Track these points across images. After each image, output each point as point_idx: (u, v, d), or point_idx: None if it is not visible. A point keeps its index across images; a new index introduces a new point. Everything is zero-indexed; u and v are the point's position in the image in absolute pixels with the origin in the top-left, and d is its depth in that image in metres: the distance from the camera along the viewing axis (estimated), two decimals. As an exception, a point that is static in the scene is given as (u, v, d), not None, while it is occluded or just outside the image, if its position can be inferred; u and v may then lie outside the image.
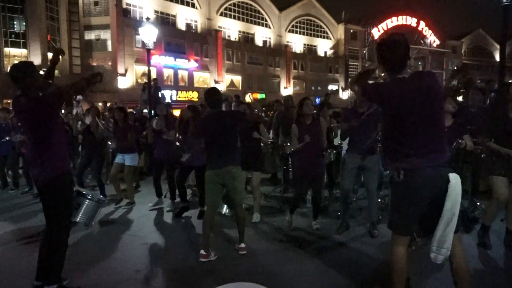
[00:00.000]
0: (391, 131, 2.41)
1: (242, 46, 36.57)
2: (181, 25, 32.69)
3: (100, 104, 12.91)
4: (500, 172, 3.63)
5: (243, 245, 3.83)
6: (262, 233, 4.48)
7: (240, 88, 35.25)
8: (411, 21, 44.75)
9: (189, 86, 31.70)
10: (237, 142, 3.82)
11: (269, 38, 39.82)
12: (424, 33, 45.61)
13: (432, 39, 46.22)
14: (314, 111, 5.21)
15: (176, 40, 30.92)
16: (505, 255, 3.70)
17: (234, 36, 37.01)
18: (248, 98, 35.43)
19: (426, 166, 2.26)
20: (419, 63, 48.26)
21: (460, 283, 2.39)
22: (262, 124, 5.16)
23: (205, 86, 32.70)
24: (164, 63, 29.68)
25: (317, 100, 19.23)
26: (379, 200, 5.33)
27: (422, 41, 46.22)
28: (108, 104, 12.44)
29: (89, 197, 3.67)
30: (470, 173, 5.03)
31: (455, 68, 43.61)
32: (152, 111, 9.89)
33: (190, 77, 32.28)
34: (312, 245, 4.05)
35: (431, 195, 2.30)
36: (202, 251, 3.61)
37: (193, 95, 30.36)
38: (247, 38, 38.16)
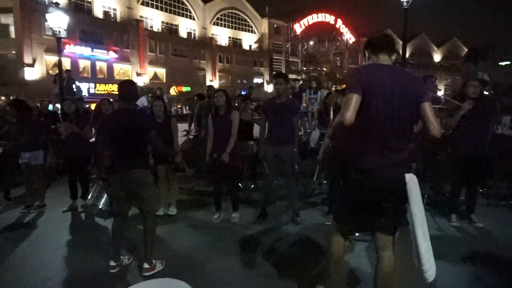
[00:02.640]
0: (355, 124, 2.19)
1: (165, 37, 35.38)
2: (98, 13, 30.49)
3: (3, 98, 11.55)
4: None
5: (146, 265, 3.25)
6: (185, 228, 4.45)
7: (164, 81, 34.17)
8: (330, 18, 47.32)
9: (109, 78, 29.83)
10: (146, 144, 3.40)
11: (194, 30, 39.11)
12: (341, 30, 48.58)
13: (349, 36, 49.41)
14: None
15: (93, 29, 28.76)
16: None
17: (157, 27, 35.62)
18: (173, 91, 34.63)
19: (383, 166, 2.14)
20: (337, 58, 51.47)
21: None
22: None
23: (126, 78, 31.08)
24: (79, 53, 27.49)
25: (243, 93, 19.39)
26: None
27: (339, 38, 49.20)
28: None
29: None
30: None
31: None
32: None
33: (110, 69, 30.37)
34: (235, 237, 4.11)
35: (385, 195, 2.18)
36: (111, 262, 3.30)
37: (113, 88, 28.65)
38: (170, 30, 37.00)
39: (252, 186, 6.11)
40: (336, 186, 4.32)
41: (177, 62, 35.94)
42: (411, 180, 2.11)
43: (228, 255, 3.64)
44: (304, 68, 45.15)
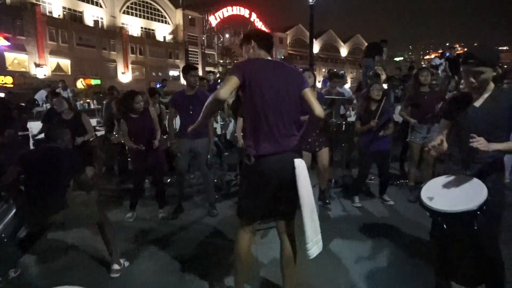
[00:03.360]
0: (246, 114, 2.35)
1: (68, 25, 32.30)
2: (-18, -6, 26.61)
3: None
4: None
5: (117, 266, 3.12)
6: (94, 230, 4.14)
7: (70, 73, 31.36)
8: (244, 12, 47.97)
9: (0, 69, 26.35)
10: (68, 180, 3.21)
11: (101, 18, 36.39)
12: (256, 24, 49.59)
13: (263, 30, 50.74)
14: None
15: (-24, 11, 25.07)
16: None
17: (58, 13, 32.36)
18: (80, 84, 31.96)
19: (274, 152, 2.23)
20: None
21: (286, 268, 2.45)
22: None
23: (23, 69, 27.84)
24: (-41, 40, 23.79)
25: (158, 85, 18.73)
26: (216, 180, 5.68)
27: (254, 31, 50.19)
28: None
29: None
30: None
31: (283, 57, 49.36)
32: None
33: (1, 59, 26.81)
34: (152, 234, 3.97)
35: (278, 181, 2.26)
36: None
37: (6, 80, 25.44)
38: (74, 17, 33.91)
39: (169, 180, 5.96)
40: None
41: (83, 53, 33.16)
42: (300, 164, 2.23)
43: (140, 254, 3.49)
44: (221, 61, 45.13)
